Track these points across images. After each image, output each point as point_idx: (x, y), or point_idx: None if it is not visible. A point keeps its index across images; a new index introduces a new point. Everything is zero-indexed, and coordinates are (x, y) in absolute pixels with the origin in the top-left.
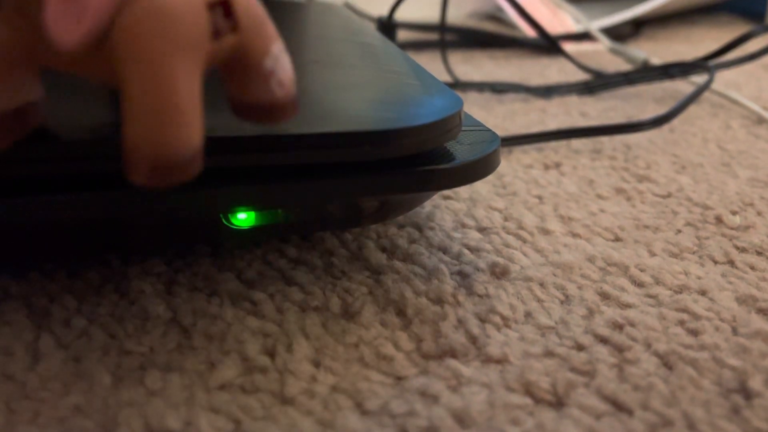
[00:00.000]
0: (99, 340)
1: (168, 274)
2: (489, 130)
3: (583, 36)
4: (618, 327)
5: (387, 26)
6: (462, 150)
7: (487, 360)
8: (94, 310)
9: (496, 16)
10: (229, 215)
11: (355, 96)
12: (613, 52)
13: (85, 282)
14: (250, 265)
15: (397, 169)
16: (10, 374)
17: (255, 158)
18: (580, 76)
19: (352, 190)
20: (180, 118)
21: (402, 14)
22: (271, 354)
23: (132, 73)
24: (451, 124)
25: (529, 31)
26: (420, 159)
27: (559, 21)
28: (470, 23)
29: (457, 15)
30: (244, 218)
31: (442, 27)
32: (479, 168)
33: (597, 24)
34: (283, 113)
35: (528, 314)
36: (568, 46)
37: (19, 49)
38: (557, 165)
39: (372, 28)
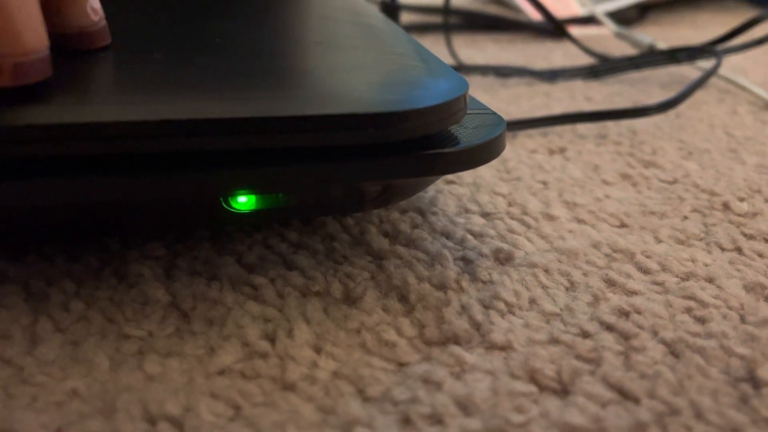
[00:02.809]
0: (97, 324)
1: (167, 258)
2: (494, 113)
3: (589, 20)
4: (624, 314)
5: (390, 8)
6: (467, 134)
7: (491, 347)
8: (93, 294)
9: None
10: (230, 199)
11: (359, 78)
12: (619, 36)
13: (83, 266)
14: (251, 250)
15: (400, 152)
16: (7, 358)
17: (256, 140)
18: (586, 60)
19: (354, 173)
20: (26, 26)
21: None
22: (272, 339)
23: None
24: (456, 107)
25: (534, 15)
26: (424, 142)
27: (564, 4)
28: (474, 6)
29: None
30: (244, 202)
31: (446, 10)
32: (484, 152)
33: (602, 8)
34: (101, 38)
35: (533, 301)
36: (574, 30)
37: None
38: (562, 150)
39: (375, 9)
